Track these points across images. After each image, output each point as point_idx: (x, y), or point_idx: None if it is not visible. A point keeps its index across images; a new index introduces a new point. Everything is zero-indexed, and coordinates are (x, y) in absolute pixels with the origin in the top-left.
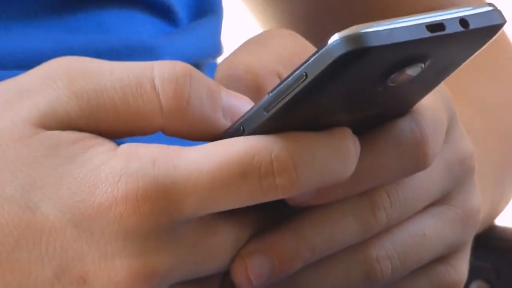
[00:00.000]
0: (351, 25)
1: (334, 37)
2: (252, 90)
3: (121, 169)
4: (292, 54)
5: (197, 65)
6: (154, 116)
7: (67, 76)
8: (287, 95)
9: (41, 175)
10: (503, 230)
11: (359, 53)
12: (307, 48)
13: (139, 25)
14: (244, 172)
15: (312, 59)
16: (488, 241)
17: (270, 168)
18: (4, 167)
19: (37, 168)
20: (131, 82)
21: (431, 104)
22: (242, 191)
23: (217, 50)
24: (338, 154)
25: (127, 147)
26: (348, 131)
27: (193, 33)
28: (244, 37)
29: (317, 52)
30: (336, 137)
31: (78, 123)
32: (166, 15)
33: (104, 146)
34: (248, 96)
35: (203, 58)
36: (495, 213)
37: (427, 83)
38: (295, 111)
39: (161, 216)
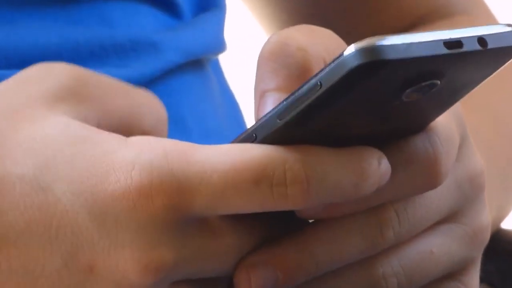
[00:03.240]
0: (350, 25)
1: (350, 48)
2: (301, 68)
3: (134, 157)
4: (335, 48)
5: (199, 61)
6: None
7: (69, 67)
8: (301, 103)
9: (54, 155)
10: (508, 233)
11: (374, 66)
12: (344, 46)
13: (143, 18)
14: (257, 178)
15: (327, 69)
16: (492, 244)
17: (283, 177)
18: (17, 145)
19: (49, 146)
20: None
21: (445, 123)
22: (253, 197)
23: (221, 46)
24: (351, 174)
25: (137, 138)
26: (368, 153)
27: (197, 28)
28: (245, 34)
29: (332, 62)
30: (353, 156)
31: (83, 110)
32: (170, 8)
33: (112, 135)
34: (295, 74)
35: (206, 53)
36: (501, 218)
37: (443, 102)
38: (309, 120)
39: (173, 210)
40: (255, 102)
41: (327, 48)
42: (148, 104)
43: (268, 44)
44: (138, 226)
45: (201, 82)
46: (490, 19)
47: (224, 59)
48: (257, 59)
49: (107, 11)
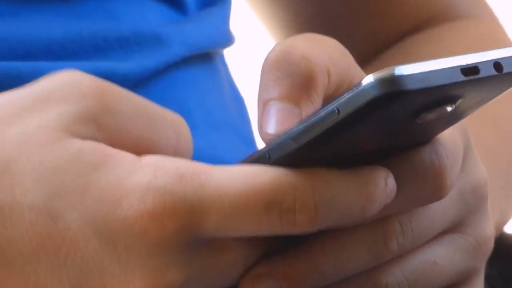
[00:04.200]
0: (352, 26)
1: (369, 78)
2: (304, 77)
3: (148, 182)
4: (339, 57)
5: (207, 55)
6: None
7: (94, 87)
8: (317, 128)
9: (65, 182)
10: (511, 237)
11: (393, 96)
12: (349, 56)
13: (148, 12)
14: (268, 205)
15: (345, 97)
16: (495, 248)
17: (292, 205)
18: (27, 173)
19: (61, 175)
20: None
21: (450, 134)
22: (263, 222)
23: (227, 39)
24: (359, 199)
25: (152, 159)
26: (376, 175)
27: (203, 21)
28: (248, 31)
29: (351, 90)
30: (361, 179)
31: (99, 136)
32: (175, 3)
33: (126, 157)
34: (298, 83)
35: (213, 47)
36: (504, 222)
37: (453, 118)
38: (323, 144)
39: (184, 233)
40: (258, 111)
41: (331, 57)
42: (170, 136)
43: (272, 52)
44: (148, 251)
45: (208, 75)
46: (494, 22)
47: (228, 55)
48: (261, 67)
49: (112, 5)
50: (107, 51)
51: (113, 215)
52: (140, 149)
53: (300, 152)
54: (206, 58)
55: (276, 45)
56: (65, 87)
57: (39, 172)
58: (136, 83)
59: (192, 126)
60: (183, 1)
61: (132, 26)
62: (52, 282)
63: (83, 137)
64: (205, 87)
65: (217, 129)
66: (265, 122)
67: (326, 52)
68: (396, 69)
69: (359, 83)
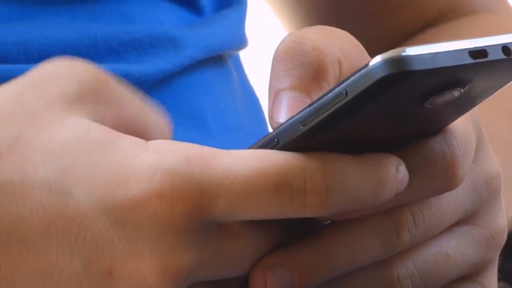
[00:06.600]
0: (369, 21)
1: (376, 59)
2: (315, 67)
3: (156, 162)
4: (351, 49)
5: (220, 57)
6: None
7: (89, 70)
8: (325, 111)
9: (74, 159)
10: None
11: (400, 76)
12: (361, 48)
13: (163, 14)
14: (278, 186)
15: (353, 78)
16: (509, 241)
17: (303, 186)
18: (36, 149)
19: (69, 151)
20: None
21: (462, 125)
22: (273, 204)
23: (241, 42)
24: (370, 183)
25: (158, 142)
26: (387, 161)
27: (218, 23)
28: (264, 30)
29: (358, 71)
30: (372, 164)
31: (100, 115)
32: (190, 5)
33: (133, 138)
34: (309, 73)
35: (227, 49)
36: None
37: (463, 106)
38: (332, 127)
39: (193, 215)
40: (269, 101)
41: (342, 49)
42: (155, 118)
43: (283, 43)
44: (159, 232)
45: (221, 78)
46: (511, 16)
47: (244, 55)
48: (272, 57)
49: (127, 8)
50: (121, 54)
51: (122, 194)
52: (135, 130)
53: (309, 136)
54: (219, 60)
55: (286, 35)
56: (63, 69)
57: (48, 148)
58: (150, 85)
59: (205, 128)
60: (198, 3)
61: (147, 29)
62: (63, 261)
63: (88, 116)
64: (218, 89)
65: (230, 131)
66: (276, 112)
67: (337, 43)
68: (403, 50)
69: (367, 64)
